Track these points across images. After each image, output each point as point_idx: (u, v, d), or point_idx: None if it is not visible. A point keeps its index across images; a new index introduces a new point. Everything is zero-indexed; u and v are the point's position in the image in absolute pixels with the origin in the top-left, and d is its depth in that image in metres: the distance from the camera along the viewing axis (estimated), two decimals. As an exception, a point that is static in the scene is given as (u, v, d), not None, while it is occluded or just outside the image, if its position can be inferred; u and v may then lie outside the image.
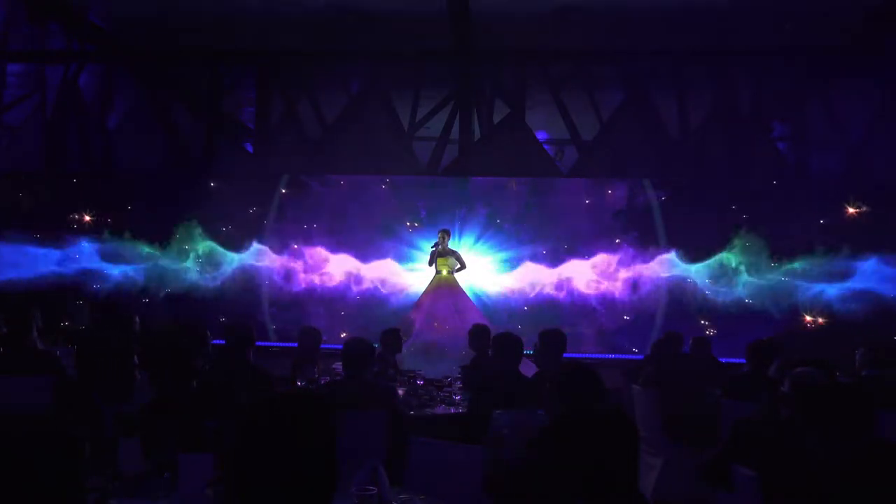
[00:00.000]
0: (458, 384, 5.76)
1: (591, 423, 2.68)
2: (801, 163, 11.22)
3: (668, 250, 10.45)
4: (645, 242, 10.55)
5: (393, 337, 6.39)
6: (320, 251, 10.79)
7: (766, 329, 8.89)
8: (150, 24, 10.86)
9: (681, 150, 11.06)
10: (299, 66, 11.77)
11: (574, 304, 10.48)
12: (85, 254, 10.62)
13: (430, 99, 11.63)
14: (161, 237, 10.63)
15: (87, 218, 10.89)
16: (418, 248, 10.59)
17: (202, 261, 10.65)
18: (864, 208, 9.92)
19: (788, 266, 10.04)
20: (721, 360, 7.22)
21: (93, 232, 10.76)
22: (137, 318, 6.58)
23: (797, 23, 9.78)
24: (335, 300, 10.69)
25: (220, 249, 10.74)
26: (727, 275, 10.20)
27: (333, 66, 11.85)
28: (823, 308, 9.93)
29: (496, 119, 11.63)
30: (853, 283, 9.78)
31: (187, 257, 10.66)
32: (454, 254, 9.35)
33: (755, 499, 2.89)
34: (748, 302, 10.03)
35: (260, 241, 10.83)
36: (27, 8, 10.75)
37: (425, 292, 9.22)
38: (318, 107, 11.81)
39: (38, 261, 10.44)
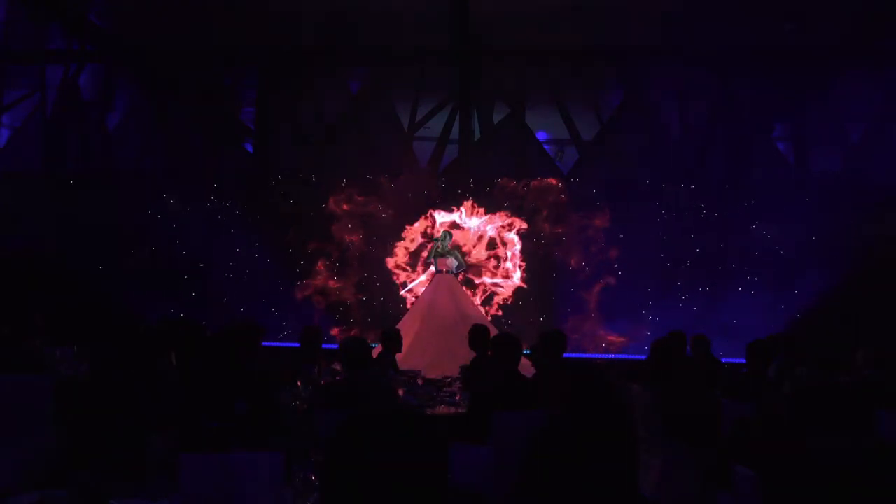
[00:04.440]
0: (458, 384, 5.76)
1: (592, 423, 2.67)
2: (801, 163, 11.23)
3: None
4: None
5: (393, 337, 6.39)
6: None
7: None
8: (150, 23, 10.86)
9: (681, 150, 11.06)
10: (299, 66, 11.77)
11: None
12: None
13: (430, 99, 11.63)
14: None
15: None
16: None
17: None
18: None
19: None
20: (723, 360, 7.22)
21: None
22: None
23: (797, 23, 9.79)
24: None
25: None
26: None
27: (333, 66, 11.85)
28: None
29: (496, 119, 11.63)
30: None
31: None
32: (454, 254, 9.33)
33: (755, 499, 2.89)
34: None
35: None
36: (27, 8, 10.76)
37: (425, 292, 9.21)
38: (318, 107, 11.81)
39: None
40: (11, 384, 4.55)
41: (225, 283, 10.83)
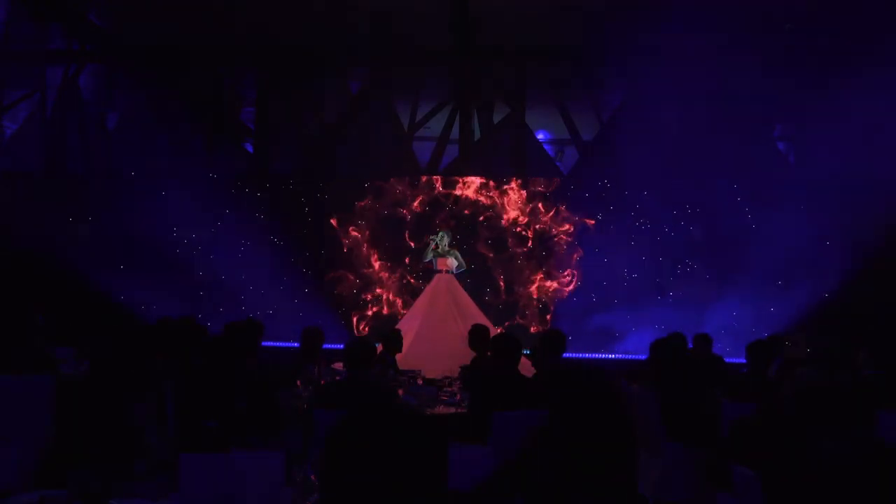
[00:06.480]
0: (458, 384, 5.76)
1: (591, 423, 2.67)
2: (801, 163, 11.21)
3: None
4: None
5: (393, 337, 6.40)
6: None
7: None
8: (150, 23, 10.85)
9: (681, 150, 11.04)
10: (299, 66, 11.76)
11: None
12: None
13: (430, 99, 11.63)
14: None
15: None
16: None
17: None
18: None
19: None
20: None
21: None
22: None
23: (797, 22, 9.78)
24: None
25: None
26: None
27: (333, 67, 11.85)
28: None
29: (496, 119, 11.62)
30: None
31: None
32: (454, 254, 9.33)
33: (755, 499, 2.89)
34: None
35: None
36: (27, 8, 10.75)
37: (425, 292, 9.21)
38: (318, 107, 11.81)
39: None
40: (11, 384, 4.55)
41: (225, 284, 10.82)
